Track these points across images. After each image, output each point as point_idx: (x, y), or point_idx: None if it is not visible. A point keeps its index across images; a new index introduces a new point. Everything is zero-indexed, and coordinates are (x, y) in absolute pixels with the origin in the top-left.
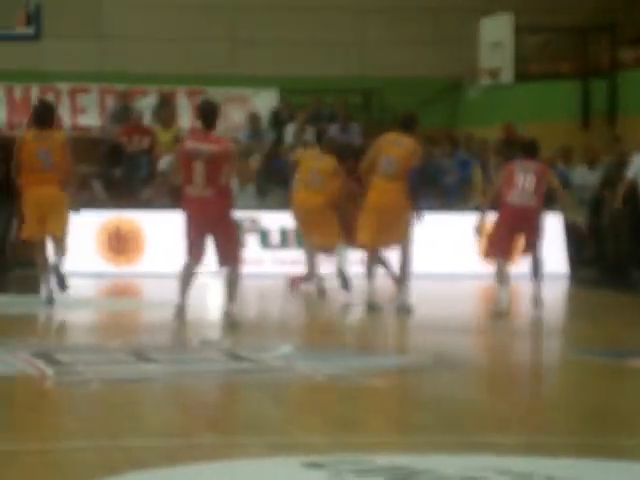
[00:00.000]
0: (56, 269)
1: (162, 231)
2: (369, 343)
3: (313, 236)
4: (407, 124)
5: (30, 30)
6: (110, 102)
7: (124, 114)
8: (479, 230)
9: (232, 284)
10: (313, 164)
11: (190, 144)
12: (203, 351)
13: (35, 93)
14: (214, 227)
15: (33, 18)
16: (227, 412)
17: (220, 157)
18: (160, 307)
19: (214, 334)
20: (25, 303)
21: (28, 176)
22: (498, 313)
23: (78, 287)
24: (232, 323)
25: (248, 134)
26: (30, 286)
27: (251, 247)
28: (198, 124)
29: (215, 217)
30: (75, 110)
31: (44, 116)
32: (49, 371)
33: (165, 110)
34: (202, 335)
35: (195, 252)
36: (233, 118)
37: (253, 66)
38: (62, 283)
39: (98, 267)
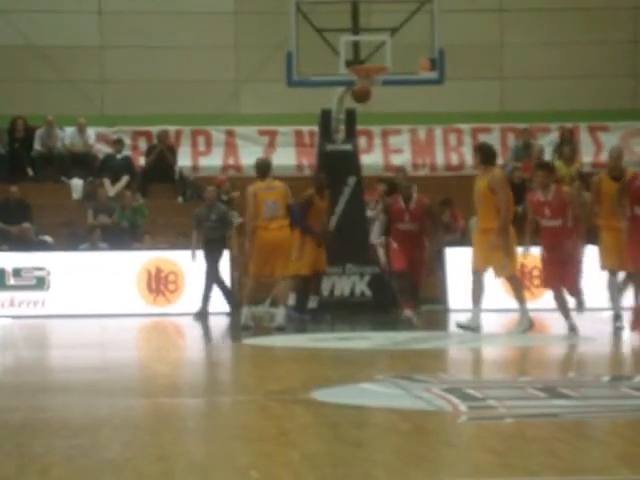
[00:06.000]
0: None
1: None
2: None
3: None
4: None
5: (434, 75)
6: (511, 140)
7: (525, 151)
8: None
9: None
10: None
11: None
12: (613, 387)
13: (439, 134)
14: None
15: (437, 63)
16: None
17: None
18: (566, 341)
19: (623, 370)
20: (432, 338)
21: None
22: None
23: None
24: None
25: None
26: (435, 322)
27: None
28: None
29: None
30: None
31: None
32: (462, 406)
33: (567, 146)
34: (612, 371)
35: None
36: (637, 151)
37: None
38: None
39: None
